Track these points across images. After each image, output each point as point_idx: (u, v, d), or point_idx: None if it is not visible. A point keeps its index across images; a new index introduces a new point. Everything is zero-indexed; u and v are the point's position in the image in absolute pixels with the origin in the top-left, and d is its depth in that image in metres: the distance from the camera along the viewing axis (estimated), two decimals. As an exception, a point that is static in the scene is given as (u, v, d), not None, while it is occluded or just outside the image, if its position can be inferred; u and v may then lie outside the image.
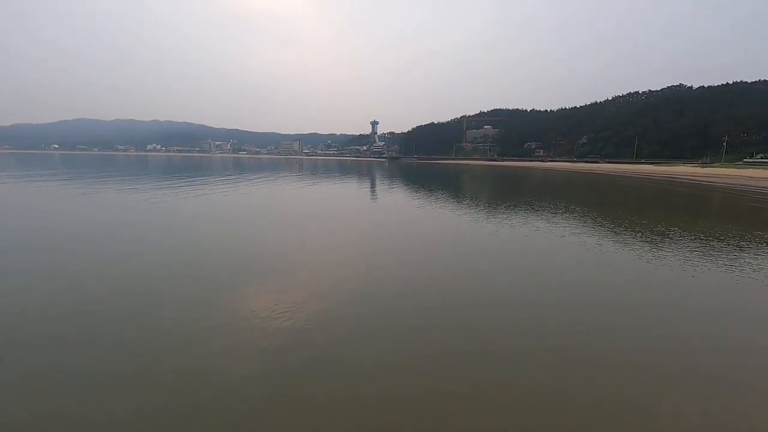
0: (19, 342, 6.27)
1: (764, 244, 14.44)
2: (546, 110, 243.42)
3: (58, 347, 6.14)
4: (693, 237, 15.69)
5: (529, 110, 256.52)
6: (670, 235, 15.90)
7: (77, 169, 58.85)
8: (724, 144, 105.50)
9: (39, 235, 13.67)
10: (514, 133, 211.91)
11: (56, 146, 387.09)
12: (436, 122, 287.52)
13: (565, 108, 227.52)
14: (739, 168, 78.63)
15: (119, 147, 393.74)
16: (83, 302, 7.84)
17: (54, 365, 5.64)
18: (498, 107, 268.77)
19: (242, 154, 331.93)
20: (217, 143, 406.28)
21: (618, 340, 6.86)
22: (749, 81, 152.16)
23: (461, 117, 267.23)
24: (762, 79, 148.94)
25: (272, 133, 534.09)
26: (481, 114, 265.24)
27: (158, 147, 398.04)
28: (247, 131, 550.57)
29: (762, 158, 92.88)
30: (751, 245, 14.25)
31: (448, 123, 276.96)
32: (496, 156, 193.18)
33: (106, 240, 13.26)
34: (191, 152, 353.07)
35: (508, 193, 38.56)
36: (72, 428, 4.50)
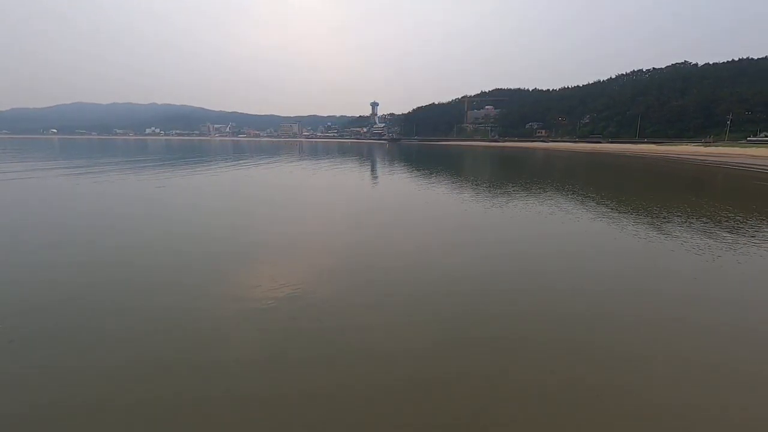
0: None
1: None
2: (548, 89, 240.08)
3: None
4: (702, 221, 15.75)
5: (530, 89, 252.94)
6: (675, 219, 15.97)
7: (105, 158, 58.72)
8: (728, 122, 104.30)
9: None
10: (516, 113, 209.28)
11: (54, 131, 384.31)
12: (436, 103, 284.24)
13: (568, 87, 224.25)
14: (742, 147, 77.91)
15: (118, 131, 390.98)
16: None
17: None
18: (500, 86, 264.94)
19: (242, 137, 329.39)
20: (216, 126, 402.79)
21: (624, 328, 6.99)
22: (755, 57, 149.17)
23: (462, 97, 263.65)
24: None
25: (271, 115, 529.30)
26: (483, 94, 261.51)
27: (157, 131, 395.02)
28: (246, 114, 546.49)
29: (766, 137, 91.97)
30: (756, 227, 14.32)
31: (449, 103, 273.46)
32: (497, 137, 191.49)
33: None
34: (190, 136, 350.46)
35: (508, 176, 38.49)
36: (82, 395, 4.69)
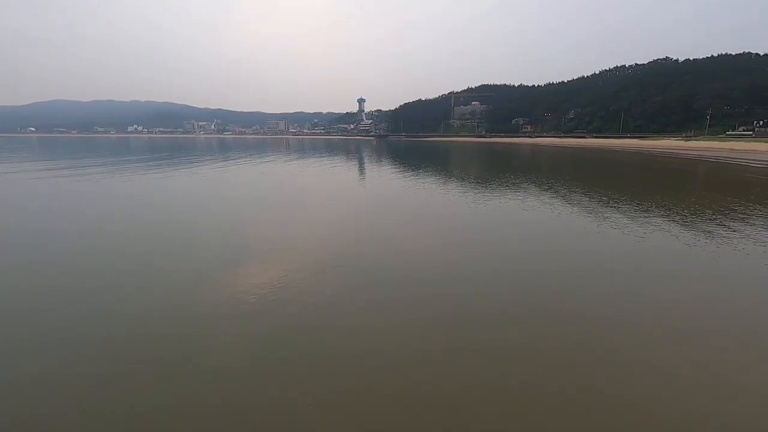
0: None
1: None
2: (534, 85, 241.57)
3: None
4: (701, 217, 16.07)
5: (516, 85, 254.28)
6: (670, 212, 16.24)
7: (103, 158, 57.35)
8: (708, 117, 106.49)
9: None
10: (503, 108, 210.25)
11: (33, 129, 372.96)
12: (423, 99, 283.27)
13: (553, 83, 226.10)
14: (721, 141, 79.68)
15: (99, 129, 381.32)
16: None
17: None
18: (486, 83, 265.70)
19: (227, 135, 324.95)
20: (200, 123, 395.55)
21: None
22: (733, 53, 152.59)
23: (449, 93, 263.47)
24: (746, 51, 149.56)
25: (257, 112, 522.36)
26: (469, 90, 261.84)
27: (140, 128, 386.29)
28: (231, 111, 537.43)
29: (744, 131, 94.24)
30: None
31: (436, 99, 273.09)
32: (484, 132, 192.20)
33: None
34: (174, 133, 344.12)
35: (499, 173, 38.78)
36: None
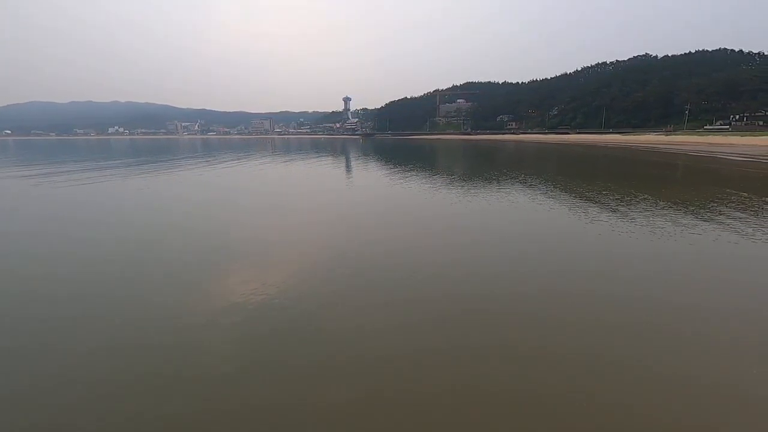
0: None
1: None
2: (518, 82, 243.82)
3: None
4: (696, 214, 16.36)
5: (501, 83, 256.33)
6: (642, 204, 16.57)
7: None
8: (686, 112, 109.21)
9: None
10: (487, 106, 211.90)
11: (8, 131, 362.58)
12: (409, 97, 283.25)
13: (536, 80, 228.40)
14: (700, 135, 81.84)
15: (78, 131, 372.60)
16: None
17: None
18: (471, 80, 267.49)
19: (211, 135, 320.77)
20: (184, 124, 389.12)
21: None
22: (710, 49, 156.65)
23: (434, 91, 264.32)
24: (722, 47, 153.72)
25: (241, 112, 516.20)
26: (454, 88, 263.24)
27: (121, 130, 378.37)
28: (215, 111, 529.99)
29: (721, 125, 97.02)
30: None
31: (422, 98, 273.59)
32: (469, 130, 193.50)
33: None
34: (157, 134, 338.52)
35: (488, 170, 39.05)
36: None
